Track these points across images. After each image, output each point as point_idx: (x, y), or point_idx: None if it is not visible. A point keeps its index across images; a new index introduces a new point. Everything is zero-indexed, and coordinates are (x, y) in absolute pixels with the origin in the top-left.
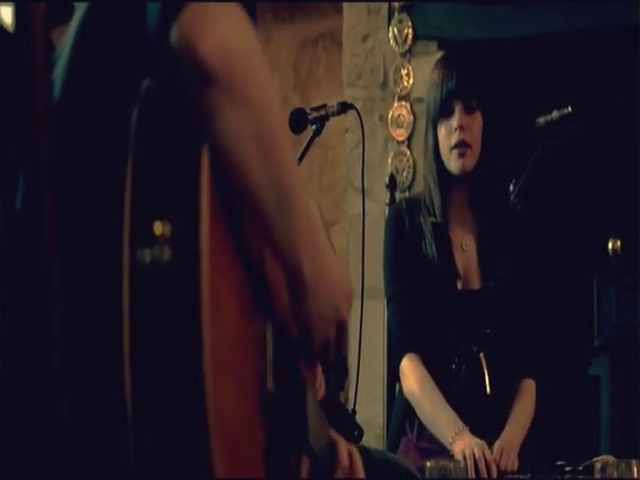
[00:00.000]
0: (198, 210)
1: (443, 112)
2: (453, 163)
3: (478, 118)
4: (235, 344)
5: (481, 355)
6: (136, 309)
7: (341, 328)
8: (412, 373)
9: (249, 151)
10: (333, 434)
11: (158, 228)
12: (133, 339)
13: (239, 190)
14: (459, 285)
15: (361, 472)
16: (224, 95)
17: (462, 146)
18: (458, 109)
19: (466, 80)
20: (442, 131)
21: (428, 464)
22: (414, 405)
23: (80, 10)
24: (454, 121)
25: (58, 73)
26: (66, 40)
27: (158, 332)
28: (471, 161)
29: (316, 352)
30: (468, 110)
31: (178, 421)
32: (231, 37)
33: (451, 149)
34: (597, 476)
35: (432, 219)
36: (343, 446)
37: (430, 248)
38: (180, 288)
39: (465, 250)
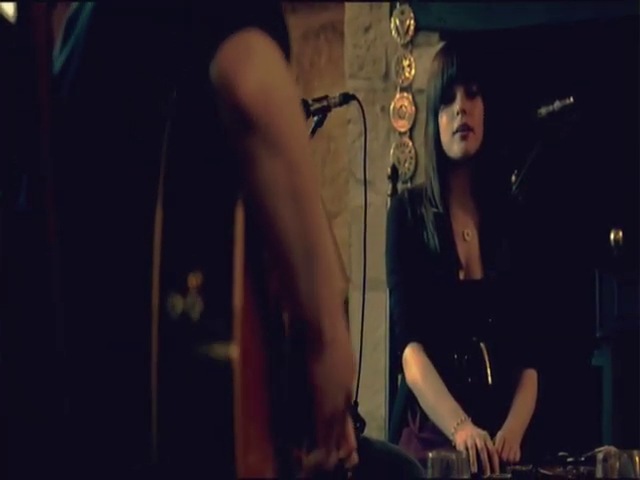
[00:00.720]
0: (232, 263)
1: (444, 98)
2: (456, 147)
3: (479, 103)
4: (257, 388)
5: (483, 345)
6: (165, 360)
7: (348, 402)
8: (415, 362)
9: (283, 202)
10: None
11: (192, 281)
12: (161, 387)
13: (269, 237)
14: (461, 275)
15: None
16: (262, 144)
17: (465, 129)
18: (459, 94)
19: (467, 65)
20: (444, 118)
21: (430, 455)
22: (416, 394)
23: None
24: (456, 105)
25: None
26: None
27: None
28: (473, 144)
29: (321, 424)
30: (469, 95)
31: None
32: (271, 82)
33: (453, 133)
34: (599, 466)
35: (434, 209)
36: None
37: (432, 238)
38: (211, 340)
39: (467, 239)
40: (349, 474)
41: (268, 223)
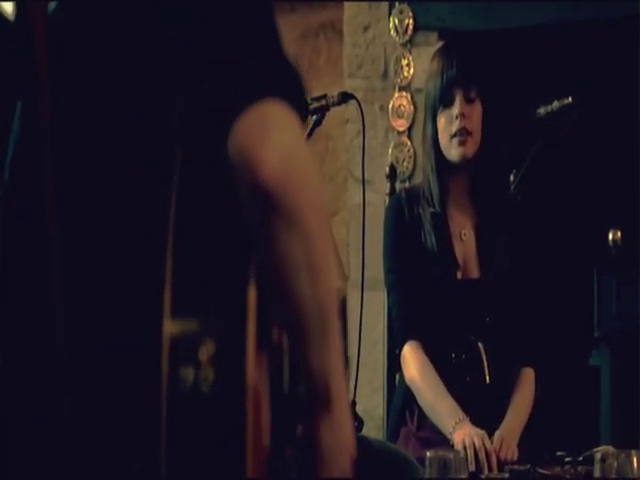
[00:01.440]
0: (245, 336)
1: (443, 101)
2: (454, 151)
3: (478, 107)
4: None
5: (480, 344)
6: (174, 431)
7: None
8: (413, 360)
9: (300, 277)
10: None
11: (203, 353)
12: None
13: (284, 310)
14: (459, 275)
15: None
16: (282, 221)
17: (463, 134)
18: (458, 98)
19: (467, 69)
20: (442, 120)
21: (428, 454)
22: (415, 393)
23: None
24: (455, 109)
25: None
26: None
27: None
28: (472, 149)
29: None
30: (468, 99)
31: None
32: (291, 158)
33: (451, 137)
34: (597, 466)
35: (431, 209)
36: None
37: (430, 238)
38: (223, 414)
39: (464, 240)
40: None
41: (285, 297)
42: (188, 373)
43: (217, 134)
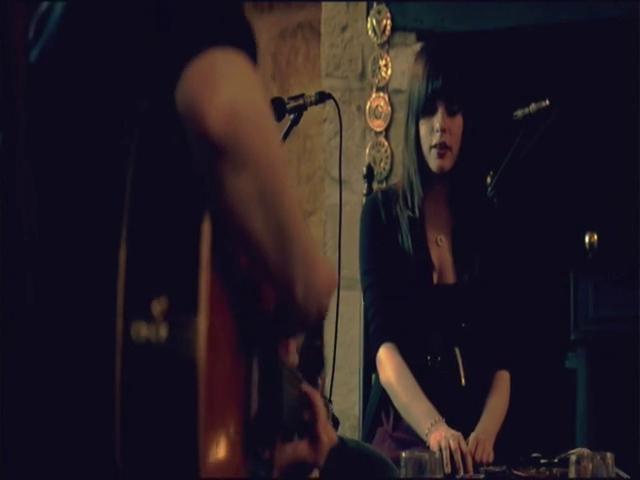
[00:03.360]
0: (198, 284)
1: (426, 109)
2: (432, 162)
3: (459, 120)
4: (225, 403)
5: (456, 347)
6: (129, 386)
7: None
8: (389, 362)
9: (251, 211)
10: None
11: (156, 307)
12: (126, 417)
13: (242, 241)
14: (434, 279)
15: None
16: (231, 165)
17: (442, 148)
18: (441, 109)
19: (452, 81)
20: (423, 128)
21: (403, 455)
22: (390, 395)
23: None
24: (436, 122)
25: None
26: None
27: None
28: (449, 162)
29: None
30: (450, 111)
31: None
32: (239, 104)
33: (431, 148)
34: (572, 468)
35: (409, 213)
36: (319, 400)
37: (406, 241)
38: (176, 365)
39: (440, 245)
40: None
41: (242, 236)
42: (142, 329)
43: (167, 86)
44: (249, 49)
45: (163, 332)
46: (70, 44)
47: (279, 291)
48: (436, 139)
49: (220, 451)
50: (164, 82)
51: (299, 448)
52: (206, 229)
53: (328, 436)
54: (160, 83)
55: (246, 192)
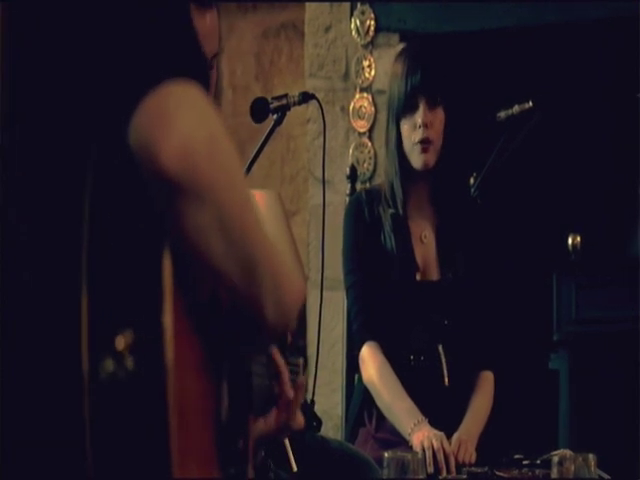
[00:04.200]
0: (162, 316)
1: (407, 107)
2: (415, 159)
3: (441, 114)
4: (197, 422)
5: (439, 346)
6: (99, 421)
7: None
8: (372, 362)
9: (214, 242)
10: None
11: (120, 342)
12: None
13: (207, 272)
14: (418, 276)
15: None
16: (188, 200)
17: (425, 143)
18: (422, 105)
19: (431, 75)
20: (405, 126)
21: (386, 455)
22: (373, 394)
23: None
24: (418, 117)
25: None
26: None
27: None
28: (433, 157)
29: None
30: (432, 106)
31: None
32: (192, 137)
33: (414, 145)
34: (554, 469)
35: (392, 211)
36: (282, 364)
37: (389, 239)
38: (145, 396)
39: (424, 242)
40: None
41: (203, 267)
42: (108, 364)
43: (120, 123)
44: (201, 79)
45: (130, 365)
46: (30, 71)
47: (248, 312)
48: (419, 135)
49: (195, 472)
50: (117, 119)
51: (269, 418)
52: (167, 260)
53: (296, 395)
54: (113, 120)
55: (206, 225)
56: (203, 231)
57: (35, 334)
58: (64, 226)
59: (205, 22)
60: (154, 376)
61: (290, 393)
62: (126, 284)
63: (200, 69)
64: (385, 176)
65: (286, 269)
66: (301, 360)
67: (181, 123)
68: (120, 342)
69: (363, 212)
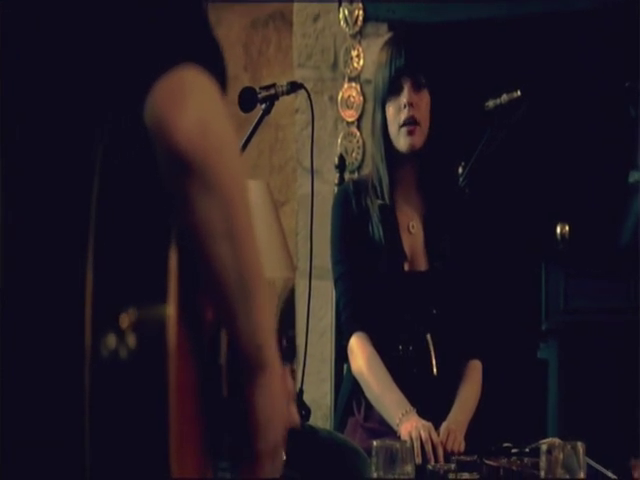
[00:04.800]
0: (166, 299)
1: (392, 90)
2: (402, 141)
3: (426, 96)
4: (194, 409)
5: (428, 336)
6: (99, 398)
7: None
8: (360, 352)
9: (219, 241)
10: None
11: (124, 320)
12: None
13: (205, 275)
14: (406, 266)
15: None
16: (199, 186)
17: (411, 123)
18: (407, 86)
19: (414, 57)
20: (390, 109)
21: (374, 444)
22: (362, 384)
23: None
24: (403, 98)
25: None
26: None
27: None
28: (420, 139)
29: (264, 454)
30: (417, 87)
31: None
32: (207, 123)
33: (400, 127)
34: (543, 458)
35: (379, 201)
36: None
37: (377, 230)
38: (146, 374)
39: (412, 232)
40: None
41: (204, 262)
42: (111, 342)
43: (136, 101)
44: (217, 69)
45: (132, 343)
46: (38, 54)
47: (243, 350)
48: (404, 115)
49: (191, 457)
50: (132, 98)
51: None
52: (174, 244)
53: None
54: (128, 99)
55: (213, 217)
56: (208, 219)
57: (39, 307)
58: (72, 202)
59: None
60: (155, 356)
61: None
62: (133, 263)
63: (218, 59)
64: (372, 163)
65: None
66: (295, 364)
67: (197, 106)
68: (124, 320)
69: (350, 203)
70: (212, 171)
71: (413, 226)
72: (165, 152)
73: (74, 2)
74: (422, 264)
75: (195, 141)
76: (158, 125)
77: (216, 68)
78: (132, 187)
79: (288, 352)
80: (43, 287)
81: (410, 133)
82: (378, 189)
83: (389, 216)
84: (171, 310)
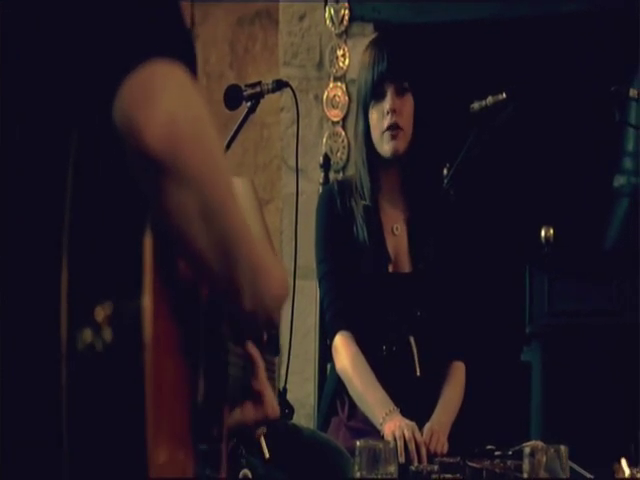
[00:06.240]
0: (141, 289)
1: (375, 95)
2: (385, 145)
3: (410, 100)
4: (173, 401)
5: (411, 338)
6: (76, 391)
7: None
8: (344, 351)
9: (195, 226)
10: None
11: (100, 313)
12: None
13: (186, 258)
14: (390, 268)
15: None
16: (171, 181)
17: (394, 129)
18: (390, 92)
19: (398, 62)
20: (374, 114)
21: (358, 444)
22: (345, 383)
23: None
24: (386, 104)
25: None
26: None
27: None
28: (403, 143)
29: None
30: (400, 92)
31: None
32: (177, 117)
33: (383, 132)
34: (526, 461)
35: (364, 202)
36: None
37: (362, 231)
38: (123, 367)
39: (396, 234)
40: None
41: (183, 249)
42: (86, 335)
43: (105, 99)
44: (188, 60)
45: (107, 337)
46: (8, 54)
47: (226, 300)
48: (387, 121)
49: (169, 450)
50: (101, 95)
51: (245, 410)
52: (148, 237)
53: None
54: (97, 96)
55: (188, 208)
56: (185, 212)
57: (15, 302)
58: (46, 196)
59: None
60: (131, 349)
61: (264, 387)
62: (108, 257)
63: (187, 47)
64: (355, 166)
65: (267, 263)
66: (277, 359)
67: (166, 102)
68: (99, 313)
69: (335, 203)
70: (183, 166)
71: (397, 228)
72: (135, 153)
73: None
74: (406, 266)
75: (164, 140)
76: (127, 125)
77: (187, 59)
78: (105, 181)
79: (270, 348)
80: (18, 282)
81: (393, 138)
82: (361, 192)
83: (373, 218)
84: (147, 302)
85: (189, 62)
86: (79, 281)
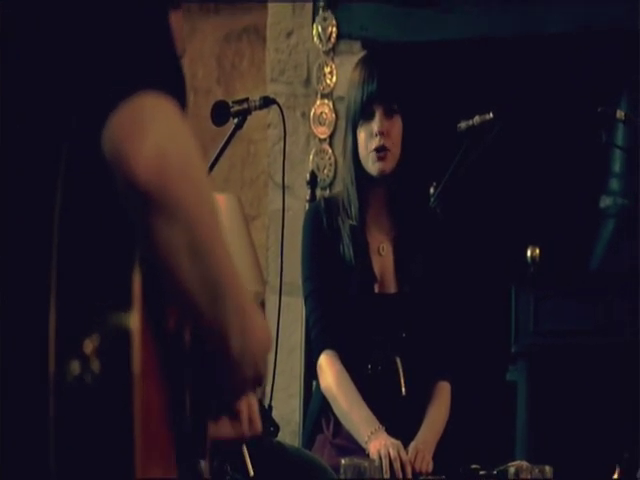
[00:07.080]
0: (130, 323)
1: (364, 115)
2: (372, 165)
3: (398, 122)
4: (160, 426)
5: (397, 357)
6: (64, 424)
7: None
8: (330, 369)
9: (183, 262)
10: None
11: (88, 346)
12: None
13: (172, 293)
14: (376, 288)
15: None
16: (160, 215)
17: (381, 150)
18: (378, 113)
19: (387, 83)
20: (362, 134)
21: (343, 462)
22: (330, 401)
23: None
24: (374, 125)
25: None
26: None
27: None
28: (390, 164)
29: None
30: (388, 114)
31: None
32: (166, 150)
33: (369, 152)
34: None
35: (350, 222)
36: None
37: (347, 250)
38: (111, 398)
39: (382, 254)
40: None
41: (169, 284)
42: (74, 367)
43: (94, 130)
44: (178, 93)
45: (96, 369)
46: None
47: (213, 342)
48: (375, 143)
49: (158, 478)
50: (90, 126)
51: (221, 426)
52: (137, 269)
53: (249, 408)
54: (86, 127)
55: (176, 242)
56: (172, 246)
57: (3, 334)
58: (35, 227)
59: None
60: (120, 381)
61: (241, 403)
62: (96, 289)
63: (177, 79)
64: (342, 185)
65: (254, 308)
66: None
67: (155, 135)
68: (88, 346)
69: (322, 221)
70: (172, 201)
71: (383, 248)
72: (123, 184)
73: (40, 25)
74: (392, 286)
75: (153, 173)
76: (116, 156)
77: (177, 90)
78: (95, 210)
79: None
80: (6, 314)
81: (380, 159)
82: (348, 211)
83: (359, 238)
84: (136, 335)
85: (179, 95)
86: (67, 313)
